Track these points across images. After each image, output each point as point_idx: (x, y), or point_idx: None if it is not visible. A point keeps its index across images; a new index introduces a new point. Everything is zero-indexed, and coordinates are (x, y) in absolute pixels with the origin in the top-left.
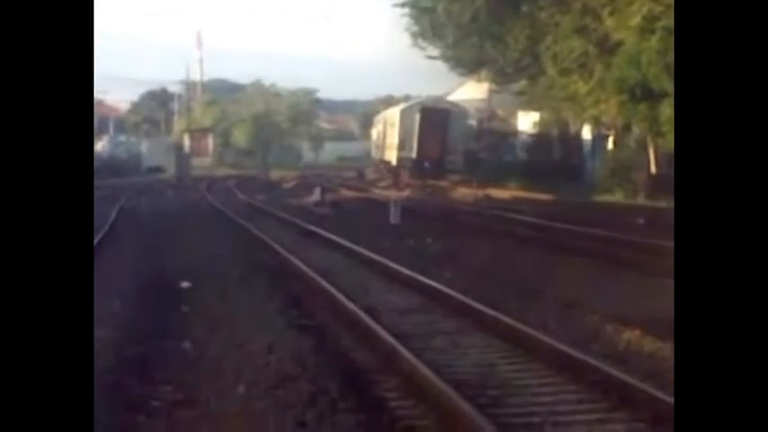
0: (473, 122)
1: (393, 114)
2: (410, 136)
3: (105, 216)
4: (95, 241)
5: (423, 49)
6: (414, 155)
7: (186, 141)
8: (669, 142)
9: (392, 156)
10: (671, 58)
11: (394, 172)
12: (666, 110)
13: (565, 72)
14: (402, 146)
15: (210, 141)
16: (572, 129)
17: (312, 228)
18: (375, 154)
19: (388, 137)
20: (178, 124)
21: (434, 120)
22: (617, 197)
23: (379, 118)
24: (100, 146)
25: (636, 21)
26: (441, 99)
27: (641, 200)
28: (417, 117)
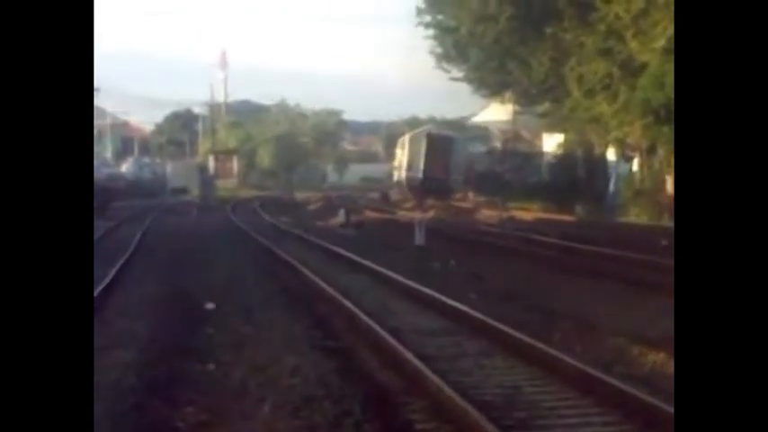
0: (495, 145)
1: (404, 139)
2: (418, 158)
3: (130, 238)
4: (119, 264)
5: (446, 71)
6: (420, 175)
7: (211, 163)
8: None
9: (403, 176)
10: None
11: (413, 193)
12: None
13: (589, 94)
14: (410, 167)
15: (235, 163)
16: (596, 150)
17: (337, 249)
18: (395, 175)
19: (400, 159)
20: (202, 145)
21: (438, 145)
22: (642, 219)
23: (398, 142)
24: (125, 167)
25: (660, 43)
26: (444, 128)
27: (666, 221)
28: (424, 142)
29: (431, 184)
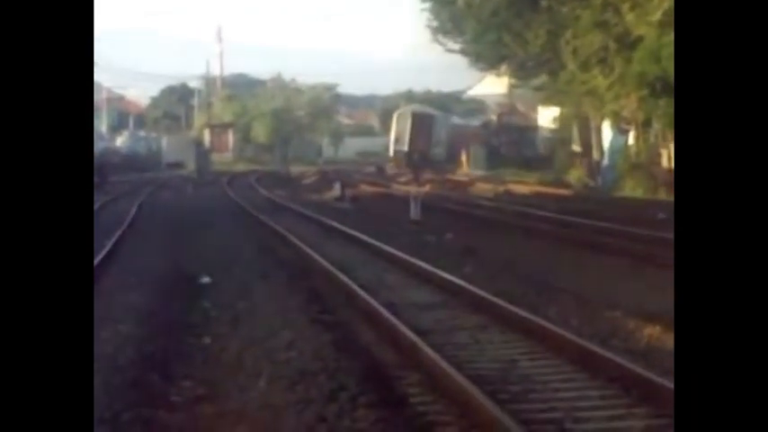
0: (491, 118)
1: (394, 117)
2: (404, 134)
3: (125, 213)
4: (114, 238)
5: (442, 44)
6: (406, 148)
7: (206, 137)
8: None
9: (392, 149)
10: None
11: (402, 163)
12: None
13: (585, 67)
14: (397, 140)
15: (230, 137)
16: (592, 124)
17: (332, 223)
18: (390, 148)
19: (391, 134)
20: (198, 119)
21: (421, 121)
22: (637, 192)
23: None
24: (120, 141)
25: (656, 16)
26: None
27: (662, 195)
28: (409, 119)
29: (415, 156)
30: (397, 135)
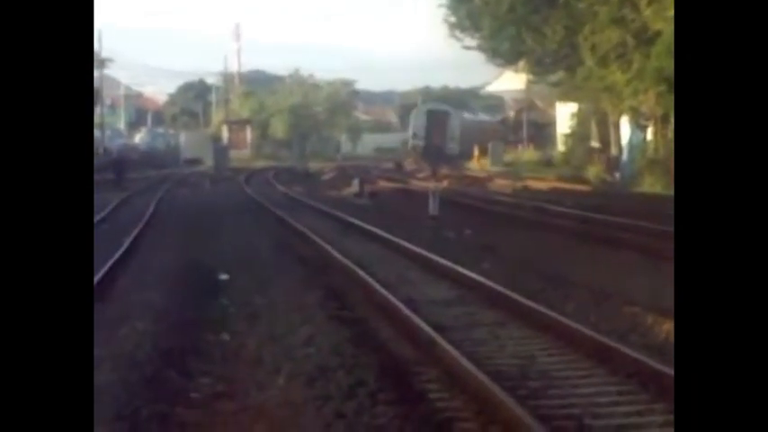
0: (508, 114)
1: (412, 114)
2: (421, 129)
3: (143, 209)
4: (134, 235)
5: (460, 40)
6: (422, 143)
7: (224, 133)
8: None
9: (410, 144)
10: None
11: (420, 158)
12: None
13: (603, 62)
14: (415, 136)
15: (248, 133)
16: (610, 119)
17: (351, 219)
18: (409, 143)
19: (409, 130)
20: (216, 116)
21: (437, 118)
22: (656, 188)
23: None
24: (138, 138)
25: (674, 11)
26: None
27: None
28: (426, 116)
29: (431, 150)
30: (415, 131)
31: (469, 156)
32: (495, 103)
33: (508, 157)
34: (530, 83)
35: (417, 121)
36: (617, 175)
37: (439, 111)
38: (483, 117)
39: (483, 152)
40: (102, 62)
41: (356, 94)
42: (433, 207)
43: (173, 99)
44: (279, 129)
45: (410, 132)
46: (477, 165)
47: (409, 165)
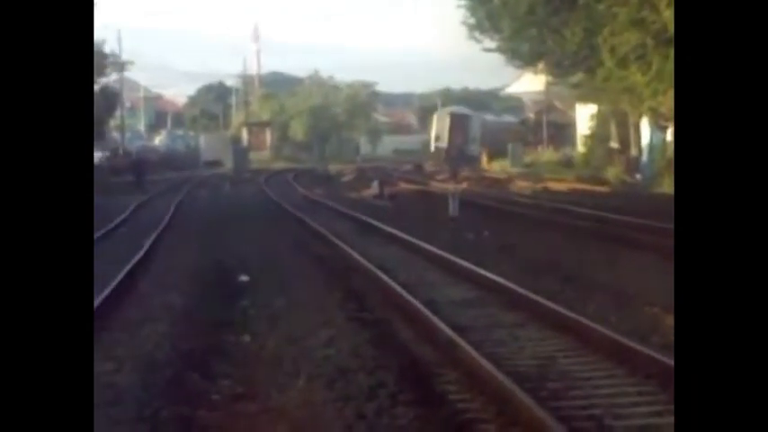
0: (528, 115)
1: (434, 117)
2: (443, 132)
3: (164, 211)
4: (154, 237)
5: (479, 41)
6: (445, 145)
7: (244, 135)
8: None
9: (433, 145)
10: None
11: (443, 159)
12: None
13: (622, 64)
14: (438, 138)
15: (268, 135)
16: (630, 120)
17: (371, 221)
18: (431, 146)
19: (432, 132)
20: (236, 118)
21: (458, 121)
22: None
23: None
24: (158, 140)
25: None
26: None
27: None
28: (448, 119)
29: (453, 151)
30: (438, 133)
31: (490, 156)
32: (514, 104)
33: (528, 159)
34: (549, 84)
35: (440, 125)
36: (637, 176)
37: (460, 114)
38: (504, 118)
39: (493, 155)
40: (123, 65)
41: (376, 95)
42: (452, 209)
43: (192, 101)
44: (298, 130)
45: (433, 135)
46: (488, 167)
47: (429, 166)
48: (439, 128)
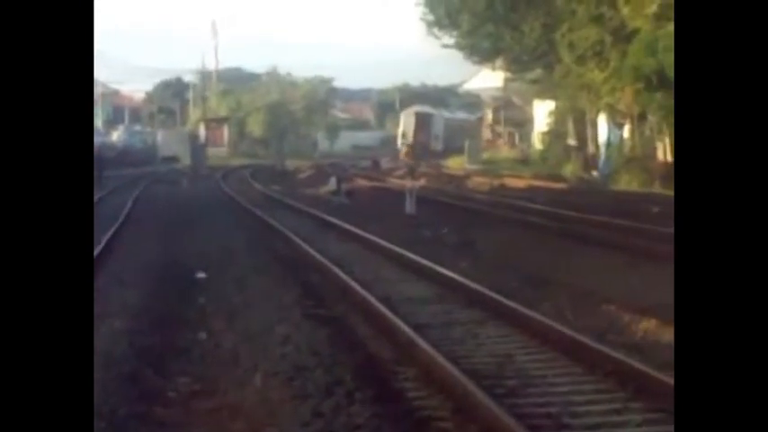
0: (486, 111)
1: (401, 116)
2: (409, 129)
3: (121, 207)
4: (111, 233)
5: (438, 37)
6: (410, 141)
7: (202, 131)
8: None
9: (399, 142)
10: None
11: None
12: None
13: (580, 60)
14: (404, 135)
15: (226, 131)
16: (588, 117)
17: (328, 218)
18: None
19: (399, 130)
20: (193, 114)
21: (423, 119)
22: (632, 186)
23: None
24: (115, 136)
25: (652, 9)
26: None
27: (657, 188)
28: (413, 118)
29: (418, 147)
30: (404, 130)
31: (451, 151)
32: (472, 100)
33: (485, 155)
34: (507, 80)
35: (406, 123)
36: (594, 173)
37: (424, 113)
38: (462, 115)
39: (451, 151)
40: None
41: (334, 91)
42: (410, 205)
43: (150, 97)
44: (256, 127)
45: (400, 132)
46: (446, 164)
47: (386, 163)
48: (405, 125)
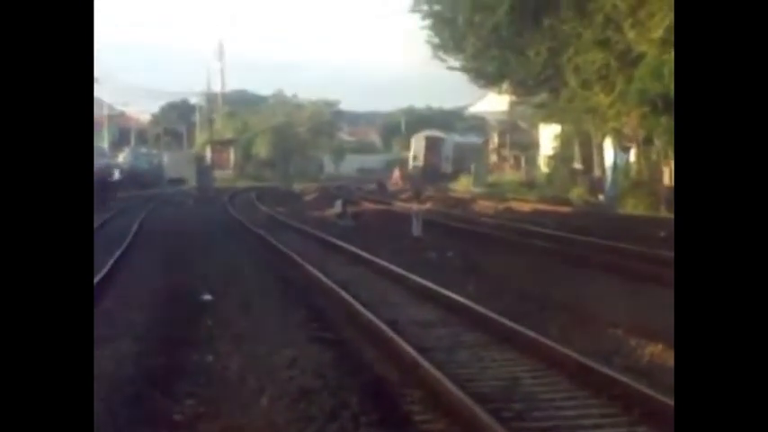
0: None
1: (412, 140)
2: (420, 153)
3: (126, 229)
4: (117, 254)
5: (443, 60)
6: (421, 164)
7: (208, 153)
8: None
9: (410, 165)
10: None
11: (418, 178)
12: None
13: (586, 84)
14: (415, 158)
15: (232, 153)
16: (594, 141)
17: (334, 240)
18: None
19: (410, 153)
20: (199, 136)
21: (433, 143)
22: (638, 210)
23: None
24: (121, 157)
25: (658, 33)
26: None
27: (663, 212)
28: (424, 141)
29: (429, 170)
30: (415, 154)
31: (459, 174)
32: (478, 123)
33: (491, 178)
34: (513, 104)
35: (417, 146)
36: (600, 196)
37: (434, 137)
38: (471, 138)
39: (458, 174)
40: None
41: (340, 114)
42: (416, 228)
43: (156, 119)
44: (262, 149)
45: (411, 155)
46: (452, 186)
47: (392, 185)
48: (416, 149)
